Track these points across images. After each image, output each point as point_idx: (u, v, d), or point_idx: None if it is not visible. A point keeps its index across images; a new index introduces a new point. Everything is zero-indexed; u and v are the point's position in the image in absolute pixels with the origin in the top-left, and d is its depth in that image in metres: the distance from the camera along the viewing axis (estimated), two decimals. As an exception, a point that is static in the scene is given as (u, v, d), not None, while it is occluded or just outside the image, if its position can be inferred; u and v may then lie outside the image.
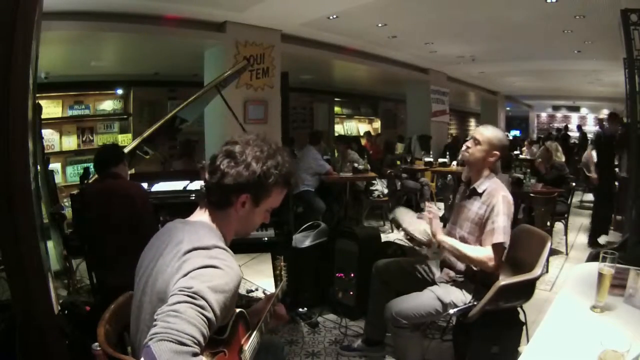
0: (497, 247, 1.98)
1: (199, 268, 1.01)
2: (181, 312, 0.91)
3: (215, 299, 0.97)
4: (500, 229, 1.98)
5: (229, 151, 1.17)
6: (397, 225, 2.44)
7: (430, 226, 2.19)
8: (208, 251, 1.07)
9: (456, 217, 2.24)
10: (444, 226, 2.27)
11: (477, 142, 2.14)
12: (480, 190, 2.12)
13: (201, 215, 1.21)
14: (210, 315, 0.95)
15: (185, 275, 1.00)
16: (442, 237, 2.13)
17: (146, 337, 0.89)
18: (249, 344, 1.24)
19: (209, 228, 1.17)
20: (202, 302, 0.95)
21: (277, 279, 1.81)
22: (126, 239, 2.24)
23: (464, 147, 2.22)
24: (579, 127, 14.59)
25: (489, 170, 2.16)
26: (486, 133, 2.15)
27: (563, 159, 5.69)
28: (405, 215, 2.48)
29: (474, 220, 2.10)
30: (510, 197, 2.07)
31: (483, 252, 2.01)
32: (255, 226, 1.28)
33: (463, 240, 2.13)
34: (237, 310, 1.22)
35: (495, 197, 2.04)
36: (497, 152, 2.13)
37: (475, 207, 2.11)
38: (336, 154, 6.78)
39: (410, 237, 2.33)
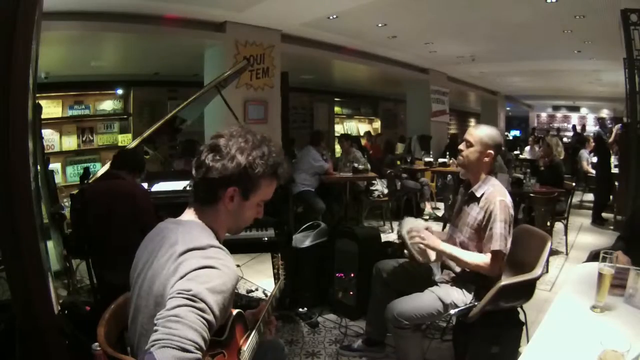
0: (494, 254, 1.97)
1: (196, 269, 1.00)
2: (182, 317, 0.90)
3: (214, 301, 0.97)
4: (497, 236, 1.95)
5: (214, 145, 1.15)
6: (403, 241, 2.26)
7: (428, 243, 2.11)
8: (204, 251, 1.05)
9: (457, 221, 2.22)
10: (444, 226, 2.25)
11: (469, 144, 2.10)
12: (478, 195, 2.09)
13: (191, 214, 1.19)
14: (210, 317, 0.95)
15: (183, 277, 0.99)
16: (441, 246, 2.10)
17: (145, 341, 0.89)
18: (248, 344, 1.24)
19: (202, 227, 1.15)
20: (202, 305, 0.94)
21: (275, 277, 1.81)
22: (129, 238, 2.24)
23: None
24: (574, 128, 14.63)
25: (487, 172, 2.12)
26: (477, 133, 2.09)
27: (563, 155, 5.85)
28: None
29: (472, 226, 2.08)
30: (508, 201, 2.02)
31: (480, 259, 2.01)
32: (248, 222, 1.24)
33: (463, 245, 2.12)
34: (235, 311, 1.21)
35: (493, 202, 2.00)
36: (492, 152, 2.08)
37: (474, 213, 2.09)
38: (337, 153, 6.77)
39: (411, 254, 2.23)
